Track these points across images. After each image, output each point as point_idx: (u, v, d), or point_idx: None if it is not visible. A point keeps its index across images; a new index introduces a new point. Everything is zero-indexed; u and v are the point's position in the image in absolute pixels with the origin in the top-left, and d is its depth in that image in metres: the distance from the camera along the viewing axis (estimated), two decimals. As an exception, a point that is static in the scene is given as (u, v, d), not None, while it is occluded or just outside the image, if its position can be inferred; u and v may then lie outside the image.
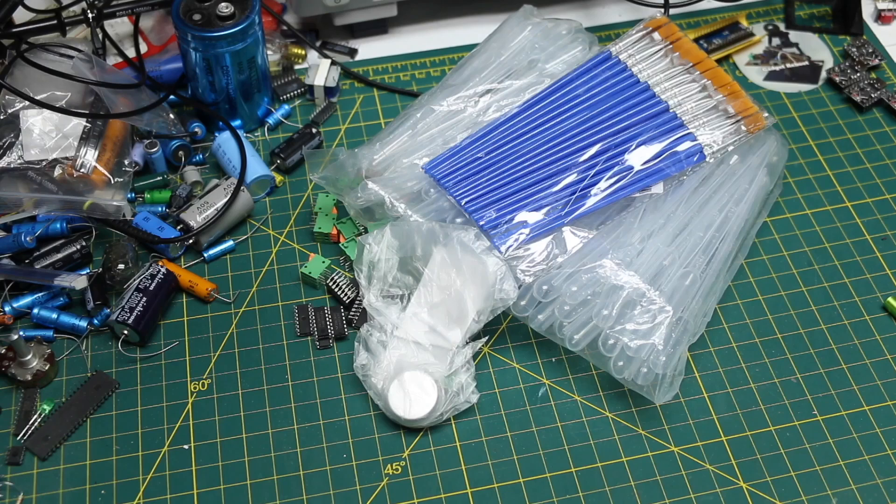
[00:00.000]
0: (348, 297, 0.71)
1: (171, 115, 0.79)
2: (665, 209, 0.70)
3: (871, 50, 0.88)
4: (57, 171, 0.72)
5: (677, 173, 0.71)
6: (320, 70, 0.84)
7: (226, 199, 0.73)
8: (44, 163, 0.72)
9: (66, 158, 0.72)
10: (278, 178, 0.79)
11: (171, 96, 0.80)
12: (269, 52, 0.85)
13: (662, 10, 0.88)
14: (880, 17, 0.92)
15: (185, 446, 0.65)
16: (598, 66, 0.76)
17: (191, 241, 0.74)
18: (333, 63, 0.85)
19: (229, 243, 0.75)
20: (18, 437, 0.65)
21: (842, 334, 0.70)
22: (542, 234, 0.68)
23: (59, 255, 0.71)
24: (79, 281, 0.69)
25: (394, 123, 0.76)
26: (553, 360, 0.69)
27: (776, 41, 0.90)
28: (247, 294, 0.72)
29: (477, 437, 0.65)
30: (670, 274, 0.67)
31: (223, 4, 0.75)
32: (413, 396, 0.64)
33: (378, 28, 0.90)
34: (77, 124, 0.73)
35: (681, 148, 0.72)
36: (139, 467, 0.64)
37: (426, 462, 0.64)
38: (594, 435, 0.65)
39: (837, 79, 0.85)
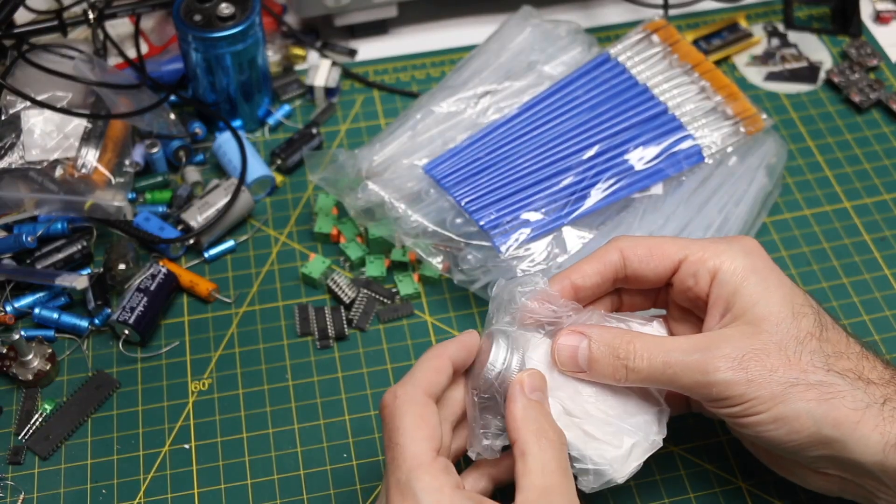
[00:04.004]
0: (348, 297, 0.71)
1: (172, 116, 0.79)
2: (665, 210, 0.70)
3: (869, 51, 0.88)
4: (58, 172, 0.72)
5: (676, 174, 0.71)
6: (320, 71, 0.85)
7: (226, 200, 0.74)
8: (45, 163, 0.72)
9: (67, 159, 0.72)
10: (279, 178, 0.79)
11: (172, 97, 0.80)
12: (269, 53, 0.85)
13: (662, 10, 0.89)
14: (879, 18, 0.92)
15: (186, 446, 0.65)
16: (597, 67, 0.76)
17: (191, 242, 0.74)
18: (334, 64, 0.85)
19: (230, 243, 0.75)
20: (20, 437, 0.65)
21: (840, 334, 0.70)
22: (543, 234, 0.68)
23: (60, 255, 0.72)
24: (80, 281, 0.69)
25: (394, 124, 0.76)
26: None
27: (775, 42, 0.90)
28: (247, 294, 0.73)
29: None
30: (670, 274, 0.67)
31: (224, 5, 0.75)
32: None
33: (378, 29, 0.91)
34: (78, 125, 0.74)
35: (680, 149, 0.72)
36: (140, 467, 0.64)
37: (426, 461, 0.64)
38: (594, 435, 0.65)
39: (836, 79, 0.86)
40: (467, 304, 0.72)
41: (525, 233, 0.68)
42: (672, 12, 0.89)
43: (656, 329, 0.58)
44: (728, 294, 0.53)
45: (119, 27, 0.88)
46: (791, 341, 0.51)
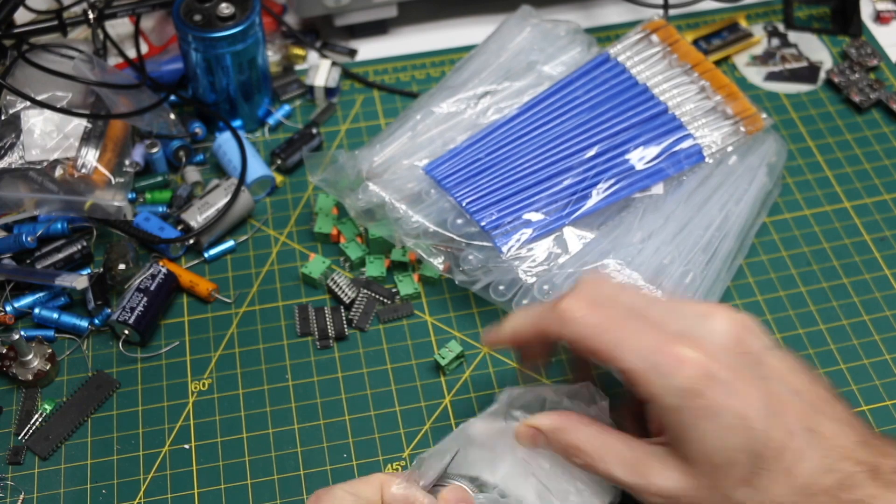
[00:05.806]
0: (348, 298, 0.71)
1: (172, 116, 0.79)
2: (665, 209, 0.70)
3: (869, 51, 0.88)
4: (58, 172, 0.72)
5: (677, 174, 0.71)
6: (320, 71, 0.85)
7: (226, 200, 0.74)
8: (45, 163, 0.72)
9: (67, 159, 0.72)
10: (279, 178, 0.79)
11: (172, 97, 0.80)
12: (269, 53, 0.85)
13: (662, 10, 0.89)
14: (879, 18, 0.92)
15: (186, 446, 0.65)
16: (596, 67, 0.76)
17: (191, 242, 0.74)
18: (334, 64, 0.85)
19: (230, 243, 0.75)
20: (19, 437, 0.65)
21: (841, 334, 0.70)
22: (544, 235, 0.68)
23: (60, 256, 0.71)
24: (80, 281, 0.69)
25: (393, 125, 0.76)
26: (553, 360, 0.69)
27: (775, 42, 0.90)
28: (247, 294, 0.73)
29: (477, 437, 0.65)
30: (671, 273, 0.67)
31: (224, 5, 0.75)
32: None
33: (378, 29, 0.91)
34: (78, 125, 0.74)
35: (680, 148, 0.72)
36: (140, 467, 0.64)
37: (426, 462, 0.64)
38: (594, 435, 0.65)
39: (836, 79, 0.86)
40: (467, 304, 0.72)
41: (526, 233, 0.68)
42: (672, 12, 0.89)
43: (599, 411, 0.57)
44: (659, 421, 0.52)
45: (119, 27, 0.88)
46: (719, 487, 0.50)
